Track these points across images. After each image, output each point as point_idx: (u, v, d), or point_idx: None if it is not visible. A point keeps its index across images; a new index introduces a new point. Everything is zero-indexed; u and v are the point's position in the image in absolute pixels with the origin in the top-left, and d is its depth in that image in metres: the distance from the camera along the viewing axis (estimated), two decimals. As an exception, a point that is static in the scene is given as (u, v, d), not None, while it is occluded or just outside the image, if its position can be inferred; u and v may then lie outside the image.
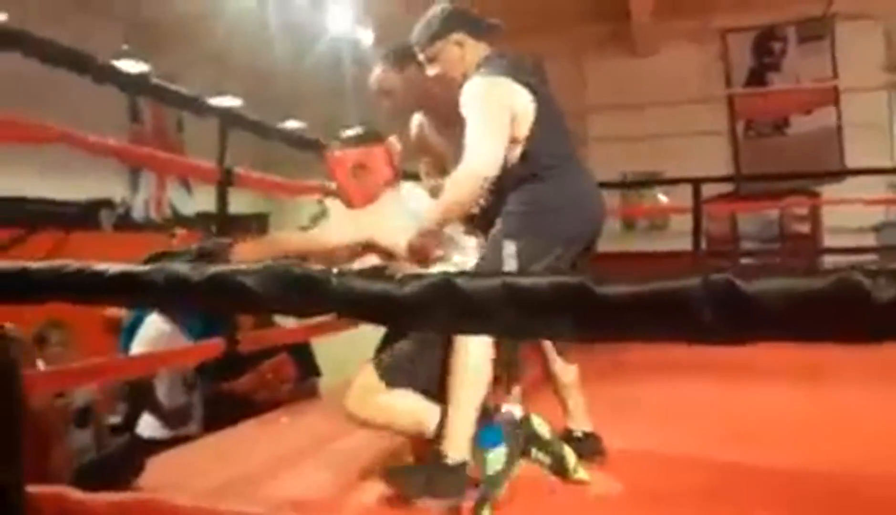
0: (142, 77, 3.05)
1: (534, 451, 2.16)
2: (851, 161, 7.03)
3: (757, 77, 7.63)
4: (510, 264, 2.04)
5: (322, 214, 2.88)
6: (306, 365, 4.01)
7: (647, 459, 2.30)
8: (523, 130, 2.13)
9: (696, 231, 5.49)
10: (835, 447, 2.34)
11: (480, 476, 1.96)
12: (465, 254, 2.22)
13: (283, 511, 1.98)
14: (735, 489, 2.00)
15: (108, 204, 5.98)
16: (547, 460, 2.14)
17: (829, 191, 6.98)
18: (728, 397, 3.16)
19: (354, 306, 0.77)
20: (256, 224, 8.07)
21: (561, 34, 7.38)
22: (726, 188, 7.29)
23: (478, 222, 2.27)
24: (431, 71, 2.28)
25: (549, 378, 2.36)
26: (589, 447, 2.28)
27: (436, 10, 2.29)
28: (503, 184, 2.13)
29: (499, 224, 2.13)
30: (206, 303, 0.93)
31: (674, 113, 7.41)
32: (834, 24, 7.30)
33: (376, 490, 2.02)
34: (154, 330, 3.35)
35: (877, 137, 7.09)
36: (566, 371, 2.34)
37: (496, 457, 1.98)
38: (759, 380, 3.29)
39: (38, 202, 5.58)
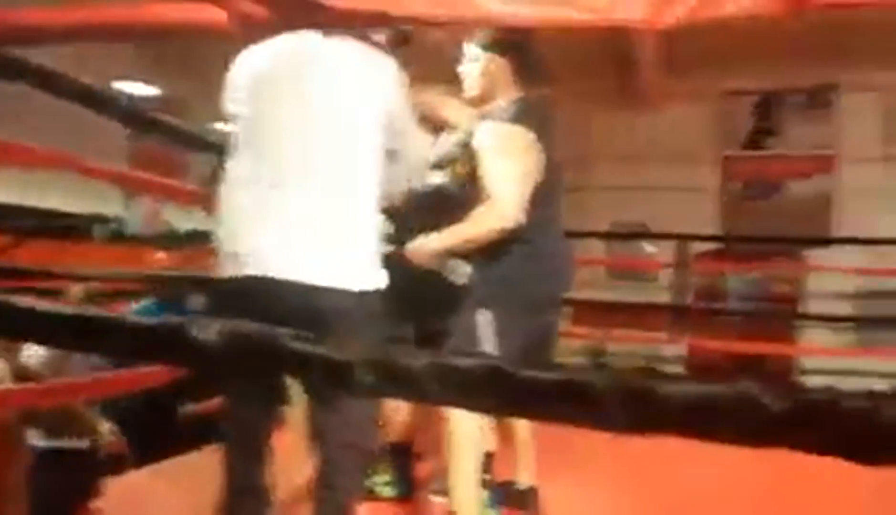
0: (140, 112, 3.08)
1: None
2: (838, 229, 7.13)
3: (755, 140, 7.74)
4: (486, 332, 2.08)
5: None
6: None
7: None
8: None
9: (679, 286, 5.57)
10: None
11: None
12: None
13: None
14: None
15: (102, 218, 6.08)
16: None
17: (815, 255, 7.09)
18: (686, 459, 3.16)
19: (292, 367, 0.81)
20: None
21: (570, 84, 7.47)
22: (716, 244, 7.37)
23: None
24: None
25: (502, 428, 2.46)
26: (527, 500, 2.42)
27: None
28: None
29: (474, 286, 2.17)
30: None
31: (671, 168, 7.51)
32: (835, 95, 7.43)
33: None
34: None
35: (868, 207, 7.19)
36: (522, 424, 2.44)
37: None
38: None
39: (34, 212, 5.66)
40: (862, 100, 7.30)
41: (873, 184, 7.24)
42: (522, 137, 2.10)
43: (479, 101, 2.24)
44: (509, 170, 2.05)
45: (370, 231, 1.76)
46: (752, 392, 0.70)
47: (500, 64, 2.17)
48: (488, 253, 2.11)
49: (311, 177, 1.69)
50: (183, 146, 3.02)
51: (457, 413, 2.04)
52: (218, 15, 1.00)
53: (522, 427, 2.46)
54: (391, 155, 1.80)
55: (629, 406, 0.73)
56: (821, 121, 7.49)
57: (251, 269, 1.70)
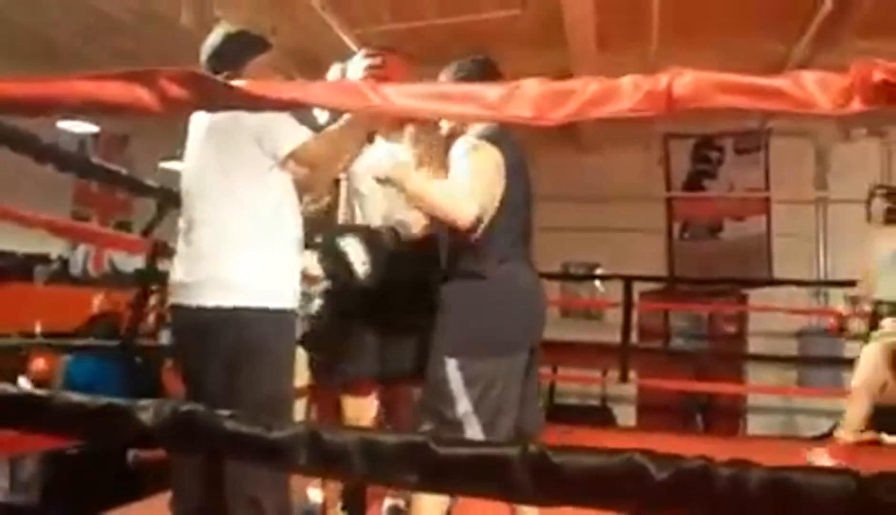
0: (82, 159, 3.13)
1: None
2: (779, 269, 7.40)
3: (694, 182, 8.03)
4: (455, 380, 2.01)
5: None
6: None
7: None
8: (489, 210, 2.07)
9: (626, 326, 5.72)
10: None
11: None
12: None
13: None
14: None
15: (44, 259, 5.96)
16: None
17: (756, 295, 7.35)
18: None
19: (228, 447, 0.87)
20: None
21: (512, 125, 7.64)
22: (661, 283, 7.58)
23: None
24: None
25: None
26: None
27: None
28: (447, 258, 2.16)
29: (439, 332, 2.09)
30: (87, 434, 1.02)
31: (616, 209, 7.72)
32: (769, 139, 7.75)
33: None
34: None
35: (804, 248, 7.49)
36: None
37: None
38: None
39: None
40: (794, 144, 7.63)
41: (807, 225, 7.56)
42: (493, 156, 2.10)
43: (451, 130, 2.26)
44: (478, 175, 2.05)
45: (256, 249, 1.99)
46: (639, 462, 0.79)
47: None
48: (459, 275, 2.11)
49: (201, 216, 2.03)
50: (121, 187, 3.14)
51: None
52: (143, 94, 1.10)
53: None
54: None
55: (536, 479, 0.81)
56: (755, 165, 7.81)
57: (172, 299, 2.09)
